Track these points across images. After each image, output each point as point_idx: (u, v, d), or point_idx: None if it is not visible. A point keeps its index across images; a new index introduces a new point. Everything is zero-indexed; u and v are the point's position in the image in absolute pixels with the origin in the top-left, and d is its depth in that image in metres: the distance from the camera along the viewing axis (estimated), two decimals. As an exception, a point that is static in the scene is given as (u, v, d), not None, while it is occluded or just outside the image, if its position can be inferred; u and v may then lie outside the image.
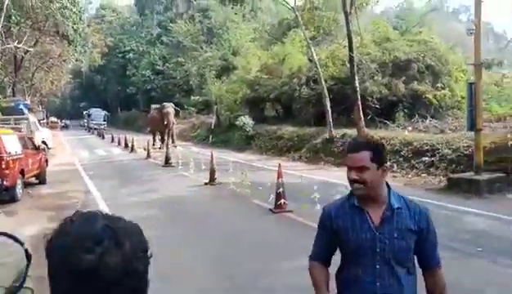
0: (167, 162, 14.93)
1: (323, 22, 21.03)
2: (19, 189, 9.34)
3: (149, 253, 0.83)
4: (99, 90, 57.57)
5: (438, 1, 67.38)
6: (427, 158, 12.23)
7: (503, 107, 16.10)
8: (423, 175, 11.74)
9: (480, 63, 10.07)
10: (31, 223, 7.44)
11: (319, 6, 19.51)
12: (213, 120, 25.30)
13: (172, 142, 21.45)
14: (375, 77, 16.89)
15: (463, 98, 17.55)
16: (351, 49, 14.83)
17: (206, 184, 10.87)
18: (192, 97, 30.98)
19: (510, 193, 9.19)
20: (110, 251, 0.77)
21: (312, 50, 17.27)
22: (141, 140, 21.85)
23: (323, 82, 16.41)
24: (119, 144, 24.77)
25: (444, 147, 12.12)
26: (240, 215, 8.06)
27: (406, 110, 16.83)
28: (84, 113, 49.39)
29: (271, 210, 7.85)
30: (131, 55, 48.18)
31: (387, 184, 1.84)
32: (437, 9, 54.04)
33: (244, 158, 17.04)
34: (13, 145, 9.45)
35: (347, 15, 14.94)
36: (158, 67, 41.31)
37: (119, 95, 53.04)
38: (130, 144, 21.27)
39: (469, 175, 9.92)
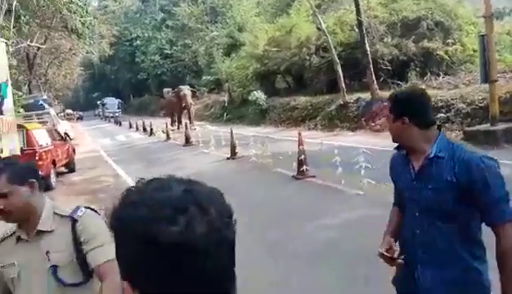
0: (187, 141, 15.40)
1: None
2: (52, 178, 9.86)
3: (234, 219, 0.72)
4: (110, 79, 58.14)
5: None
6: (442, 114, 12.34)
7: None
8: (440, 131, 11.89)
9: (491, 14, 10.06)
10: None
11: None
12: (225, 98, 25.51)
13: (191, 124, 21.39)
14: (385, 40, 16.86)
15: (475, 51, 17.36)
16: (359, 13, 14.82)
17: (228, 158, 11.27)
18: (203, 77, 31.11)
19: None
20: (195, 220, 0.66)
21: (320, 18, 17.17)
22: (157, 124, 22.36)
23: (333, 50, 16.43)
24: (137, 129, 25.31)
25: (459, 101, 12.22)
26: (265, 183, 8.43)
27: (418, 69, 16.81)
28: (98, 103, 50.08)
29: (294, 177, 8.20)
30: (138, 42, 48.37)
31: (439, 131, 1.82)
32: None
33: (260, 131, 17.32)
34: (43, 138, 9.96)
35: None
36: (166, 51, 41.52)
37: (130, 82, 53.52)
38: (149, 128, 21.72)
39: (485, 126, 10.07)
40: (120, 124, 33.08)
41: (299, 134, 8.65)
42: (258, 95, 20.82)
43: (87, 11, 24.09)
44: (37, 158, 9.06)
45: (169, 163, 12.03)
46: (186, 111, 22.57)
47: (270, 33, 23.98)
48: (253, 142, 11.27)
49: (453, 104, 12.26)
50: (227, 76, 25.25)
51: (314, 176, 8.02)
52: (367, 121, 14.32)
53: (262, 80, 23.25)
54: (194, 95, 23.51)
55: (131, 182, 8.05)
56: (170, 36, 41.99)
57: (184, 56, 39.90)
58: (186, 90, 22.29)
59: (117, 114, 42.78)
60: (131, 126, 28.03)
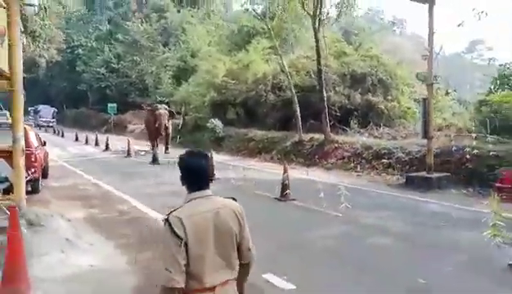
0: (154, 161, 16.02)
1: (290, 34, 22.97)
2: (40, 182, 10.18)
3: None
4: (43, 85, 55.37)
5: (375, 13, 72.83)
6: (385, 160, 14.53)
7: (438, 118, 19.02)
8: (382, 174, 13.97)
9: (431, 83, 12.49)
10: (72, 210, 8.47)
11: (286, 20, 21.38)
12: (179, 121, 26.21)
13: (166, 149, 20.14)
14: (337, 89, 19.11)
15: (408, 109, 20.42)
16: (319, 62, 16.89)
17: (205, 180, 12.26)
18: (151, 97, 31.47)
19: (453, 188, 11.55)
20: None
21: (283, 60, 19.02)
22: (102, 139, 22.47)
23: (293, 90, 18.29)
24: (87, 142, 25.02)
25: (399, 151, 14.48)
26: (254, 203, 9.57)
27: (360, 118, 19.23)
28: (30, 109, 47.55)
29: (277, 199, 9.54)
30: (80, 50, 47.19)
31: None
32: (376, 22, 58.95)
33: (219, 158, 18.42)
34: (35, 141, 10.28)
35: (316, 31, 16.98)
36: (113, 65, 41.11)
37: (65, 91, 51.43)
38: (105, 143, 21.74)
39: (422, 174, 12.25)
40: (63, 135, 31.97)
41: (284, 163, 10.08)
42: (216, 122, 21.98)
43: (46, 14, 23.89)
44: (33, 159, 9.44)
45: (148, 177, 12.76)
46: (162, 132, 20.53)
47: (227, 65, 25.55)
48: (219, 168, 12.48)
49: (394, 153, 14.48)
50: (183, 100, 26.11)
51: (295, 199, 9.44)
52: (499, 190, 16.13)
53: (217, 109, 24.45)
54: (171, 116, 21.43)
55: (117, 192, 9.01)
56: (119, 50, 41.73)
57: (131, 73, 39.83)
58: (162, 109, 20.63)
59: (51, 124, 40.99)
60: (77, 139, 27.51)
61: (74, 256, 5.60)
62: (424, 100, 12.62)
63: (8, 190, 6.87)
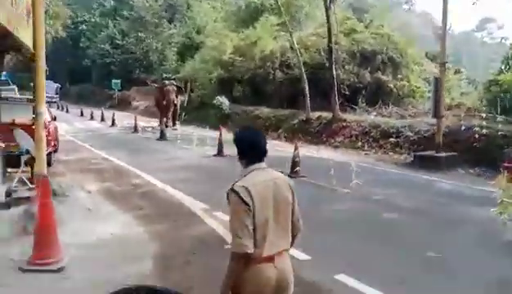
0: (162, 136, 16.14)
1: (299, 11, 22.70)
2: (53, 155, 10.32)
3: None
4: (47, 61, 55.03)
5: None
6: (393, 139, 14.58)
7: (447, 97, 18.96)
8: (390, 153, 14.05)
9: (444, 62, 12.41)
10: (87, 182, 8.62)
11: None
12: (184, 97, 26.13)
13: (173, 124, 20.53)
14: (346, 67, 19.00)
15: (418, 88, 20.33)
16: (330, 40, 16.77)
17: (215, 155, 12.41)
18: (165, 74, 31.37)
19: (461, 168, 11.63)
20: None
21: (293, 37, 18.85)
22: (108, 115, 22.59)
23: (302, 68, 18.18)
24: (92, 118, 25.13)
25: (407, 130, 14.51)
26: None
27: (369, 97, 19.15)
28: (32, 84, 47.34)
29: (288, 175, 9.63)
30: (84, 26, 46.83)
31: None
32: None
33: (225, 135, 18.52)
34: (47, 114, 10.37)
35: (327, 8, 16.80)
36: (117, 41, 40.81)
37: (68, 67, 51.19)
38: (111, 119, 21.85)
39: (430, 153, 12.31)
40: (67, 111, 32.07)
41: (295, 141, 10.15)
42: (223, 100, 21.97)
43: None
44: (46, 133, 9.54)
45: (157, 153, 12.87)
46: (171, 108, 20.73)
47: (235, 41, 25.36)
48: (227, 144, 12.58)
49: (402, 132, 14.52)
50: (189, 77, 26.02)
51: (305, 176, 9.56)
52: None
53: (224, 86, 24.40)
54: (179, 91, 21.47)
55: (129, 166, 9.14)
56: (123, 26, 41.37)
57: (136, 49, 39.58)
58: (169, 86, 20.64)
59: (54, 100, 40.98)
60: (82, 114, 27.62)
61: (96, 225, 5.78)
62: (436, 79, 12.55)
63: (27, 163, 7.02)
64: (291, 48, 19.71)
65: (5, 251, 4.79)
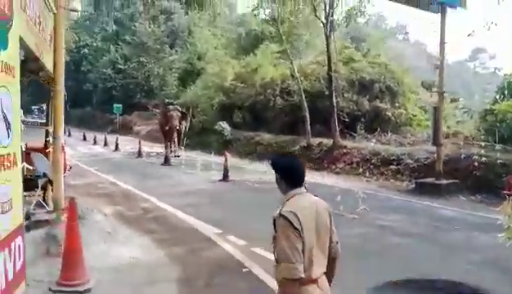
0: (166, 161, 16.36)
1: (299, 39, 23.37)
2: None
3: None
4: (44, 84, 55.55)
5: (378, 19, 73.41)
6: (393, 166, 14.88)
7: (443, 125, 19.40)
8: (391, 180, 14.33)
9: (443, 91, 12.86)
10: (99, 206, 8.78)
11: (297, 25, 21.82)
12: (187, 123, 26.36)
13: (175, 150, 20.07)
14: (346, 95, 19.48)
15: (415, 116, 20.81)
16: (330, 68, 17.29)
17: (220, 180, 12.62)
18: (167, 100, 31.75)
19: (461, 195, 11.90)
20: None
21: (294, 65, 19.39)
22: (111, 140, 22.82)
23: (303, 95, 18.64)
24: (95, 142, 25.33)
25: (407, 157, 14.83)
26: (272, 203, 9.91)
27: (367, 124, 19.57)
28: (34, 108, 47.69)
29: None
30: (85, 50, 47.54)
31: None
32: (379, 28, 59.54)
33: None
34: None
35: (327, 37, 17.37)
36: (119, 66, 41.44)
37: (70, 91, 51.69)
38: (114, 143, 22.07)
39: (431, 180, 12.59)
40: (70, 134, 32.21)
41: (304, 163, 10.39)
42: (224, 125, 22.32)
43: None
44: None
45: (164, 179, 13.06)
46: (174, 134, 20.42)
47: (236, 68, 25.96)
48: (232, 169, 12.92)
49: (402, 159, 14.84)
50: (191, 102, 26.43)
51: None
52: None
53: (225, 112, 24.79)
54: (183, 117, 21.09)
55: (137, 191, 9.39)
56: (125, 51, 42.08)
57: (137, 74, 40.17)
58: (173, 111, 20.36)
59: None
60: (85, 139, 27.79)
61: (116, 248, 5.94)
62: (435, 108, 12.98)
63: (41, 186, 7.20)
64: (292, 76, 20.23)
65: (32, 273, 4.92)
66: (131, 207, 9.06)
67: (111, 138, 24.89)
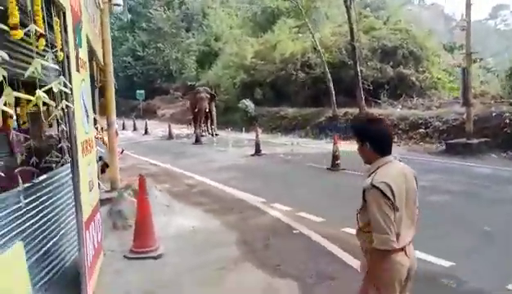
0: (197, 140, 16.88)
1: (318, 12, 23.25)
2: (107, 163, 11.03)
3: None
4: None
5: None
6: (422, 130, 14.99)
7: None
8: (421, 143, 14.48)
9: (470, 52, 12.80)
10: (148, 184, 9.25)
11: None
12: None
13: (213, 131, 20.04)
14: (369, 63, 19.45)
15: (439, 79, 20.65)
16: (352, 38, 17.28)
17: (253, 155, 13.02)
18: (189, 83, 32.23)
19: (493, 153, 12.02)
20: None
21: (316, 39, 19.40)
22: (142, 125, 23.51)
23: (326, 67, 18.72)
24: (124, 128, 26.02)
25: (435, 120, 14.92)
26: (308, 172, 10.36)
27: (392, 91, 19.58)
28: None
29: (329, 169, 10.22)
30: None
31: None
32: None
33: (253, 137, 19.08)
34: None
35: (348, 9, 17.31)
36: (138, 53, 41.93)
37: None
38: (144, 128, 22.76)
39: (462, 140, 12.70)
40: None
41: (335, 136, 10.71)
42: (248, 103, 22.62)
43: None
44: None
45: (198, 156, 13.54)
46: (202, 115, 20.12)
47: (255, 46, 26.07)
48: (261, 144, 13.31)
49: (431, 122, 14.92)
50: (214, 83, 26.76)
51: (344, 169, 10.09)
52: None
53: (247, 89, 25.06)
54: (212, 99, 20.75)
55: (177, 168, 9.88)
56: (143, 38, 42.47)
57: (156, 60, 40.64)
58: (202, 93, 20.21)
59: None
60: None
61: (175, 219, 6.42)
62: (464, 69, 12.96)
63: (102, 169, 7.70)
64: (314, 49, 20.23)
65: (105, 245, 5.45)
66: (176, 183, 9.53)
67: (138, 123, 25.56)
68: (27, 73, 3.02)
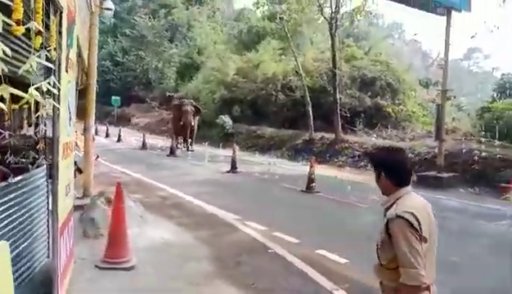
0: (172, 152, 16.70)
1: (302, 37, 23.76)
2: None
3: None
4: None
5: (374, 17, 73.82)
6: (395, 160, 15.34)
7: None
8: (393, 173, 14.79)
9: (446, 89, 13.32)
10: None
11: (300, 23, 22.22)
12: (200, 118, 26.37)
13: (189, 146, 19.54)
14: (348, 91, 19.92)
15: (413, 112, 21.33)
16: (334, 66, 17.70)
17: (228, 172, 12.98)
18: (168, 93, 32.02)
19: (461, 188, 12.41)
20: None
21: (299, 63, 19.76)
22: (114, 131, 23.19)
23: (306, 91, 19.05)
24: (96, 133, 25.47)
25: (408, 152, 15.27)
26: (284, 193, 10.40)
27: (368, 120, 20.05)
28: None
29: (303, 191, 10.29)
30: (82, 43, 47.46)
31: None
32: (374, 25, 59.98)
33: (228, 153, 19.06)
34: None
35: (332, 36, 17.77)
36: (117, 58, 41.48)
37: (66, 82, 51.56)
38: (117, 135, 22.36)
39: (433, 173, 13.08)
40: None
41: (311, 159, 10.85)
42: (226, 119, 22.66)
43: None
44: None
45: (173, 169, 13.39)
46: (188, 129, 19.72)
47: (238, 63, 26.29)
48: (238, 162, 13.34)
49: (403, 153, 15.30)
50: (192, 96, 26.69)
51: (319, 192, 10.19)
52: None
53: (226, 106, 25.11)
54: (197, 112, 20.45)
55: (149, 179, 9.81)
56: (124, 44, 42.11)
57: (136, 67, 40.31)
58: (188, 105, 19.78)
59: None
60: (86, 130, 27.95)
61: (148, 230, 6.30)
62: (438, 105, 13.48)
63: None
64: (296, 72, 20.59)
65: (75, 252, 5.28)
66: (148, 195, 9.38)
67: (112, 129, 25.15)
68: (22, 70, 2.96)
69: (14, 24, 2.60)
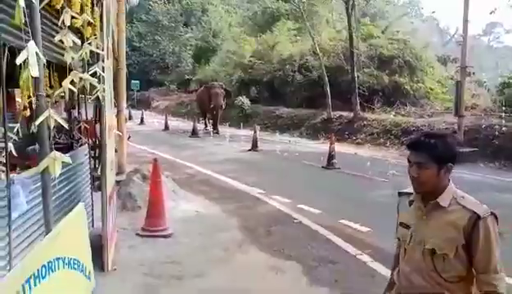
0: (194, 133, 17.16)
1: (318, 17, 23.71)
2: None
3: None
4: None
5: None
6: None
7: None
8: (412, 149, 14.95)
9: (465, 66, 13.33)
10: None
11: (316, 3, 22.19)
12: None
13: (215, 128, 19.15)
14: (366, 70, 19.93)
15: (432, 89, 21.22)
16: (351, 45, 17.71)
17: (249, 150, 13.35)
18: (186, 77, 32.42)
19: (481, 162, 12.53)
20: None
21: (316, 42, 19.81)
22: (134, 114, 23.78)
23: (324, 71, 19.14)
24: (130, 118, 26.14)
25: (427, 128, 15.37)
26: (305, 169, 10.74)
27: (386, 98, 20.08)
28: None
29: (324, 167, 10.61)
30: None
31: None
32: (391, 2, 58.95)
33: (248, 133, 19.38)
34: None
35: (349, 16, 17.74)
36: (134, 43, 41.93)
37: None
38: (140, 117, 22.92)
39: (452, 149, 13.19)
40: (92, 110, 33.19)
41: (331, 135, 11.13)
42: (244, 100, 22.93)
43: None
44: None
45: (197, 149, 13.89)
46: (217, 111, 19.46)
47: (253, 45, 26.42)
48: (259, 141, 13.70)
49: (423, 130, 15.39)
50: (211, 78, 26.99)
51: (339, 168, 10.49)
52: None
53: (243, 87, 25.34)
54: (227, 95, 20.13)
55: (177, 159, 10.23)
56: (140, 29, 42.49)
57: (152, 52, 40.75)
58: (218, 88, 19.47)
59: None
60: (108, 113, 28.68)
61: (182, 204, 6.74)
62: (457, 82, 13.52)
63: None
64: (313, 52, 20.63)
65: (117, 223, 5.75)
66: (176, 172, 9.80)
67: (133, 112, 25.69)
68: (77, 56, 3.34)
69: (77, 15, 2.97)
